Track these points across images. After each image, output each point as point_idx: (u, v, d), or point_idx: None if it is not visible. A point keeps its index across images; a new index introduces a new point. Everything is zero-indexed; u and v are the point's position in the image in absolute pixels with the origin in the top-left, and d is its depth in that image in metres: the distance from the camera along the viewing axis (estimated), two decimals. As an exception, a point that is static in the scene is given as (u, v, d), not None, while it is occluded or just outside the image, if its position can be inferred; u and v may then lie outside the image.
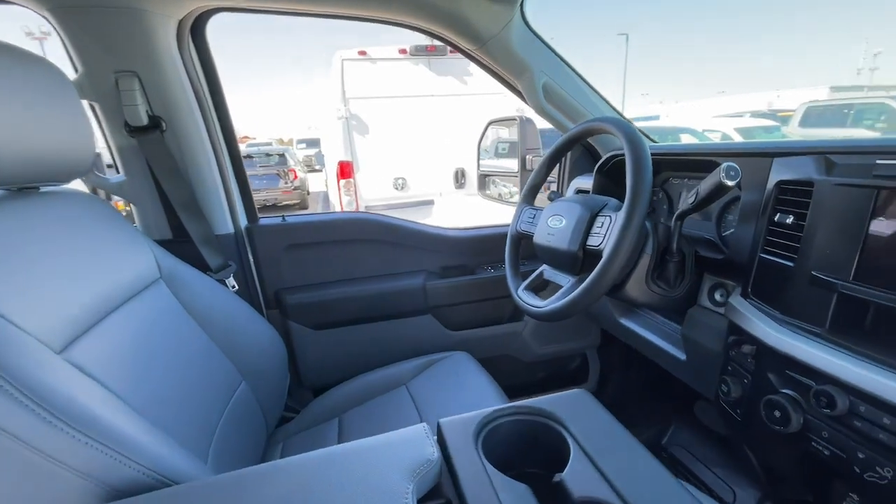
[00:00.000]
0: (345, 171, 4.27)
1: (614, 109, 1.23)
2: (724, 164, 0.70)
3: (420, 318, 1.37)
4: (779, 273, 0.69)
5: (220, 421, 0.86)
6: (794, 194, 0.68)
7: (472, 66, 4.46)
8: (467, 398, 1.05)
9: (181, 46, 0.99)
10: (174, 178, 1.03)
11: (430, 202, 4.54)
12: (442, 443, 0.54)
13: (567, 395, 0.61)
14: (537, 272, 1.05)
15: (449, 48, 4.29)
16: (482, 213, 3.52)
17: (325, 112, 5.23)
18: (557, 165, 1.49)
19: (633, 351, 1.16)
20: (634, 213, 0.74)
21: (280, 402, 1.12)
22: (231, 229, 1.18)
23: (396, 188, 4.43)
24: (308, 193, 9.89)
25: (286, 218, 1.28)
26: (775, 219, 0.71)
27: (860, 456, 0.55)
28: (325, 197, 8.82)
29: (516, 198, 1.52)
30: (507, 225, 1.54)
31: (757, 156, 0.76)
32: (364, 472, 0.49)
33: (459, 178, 4.57)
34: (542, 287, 1.06)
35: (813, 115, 7.35)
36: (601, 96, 1.22)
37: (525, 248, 1.13)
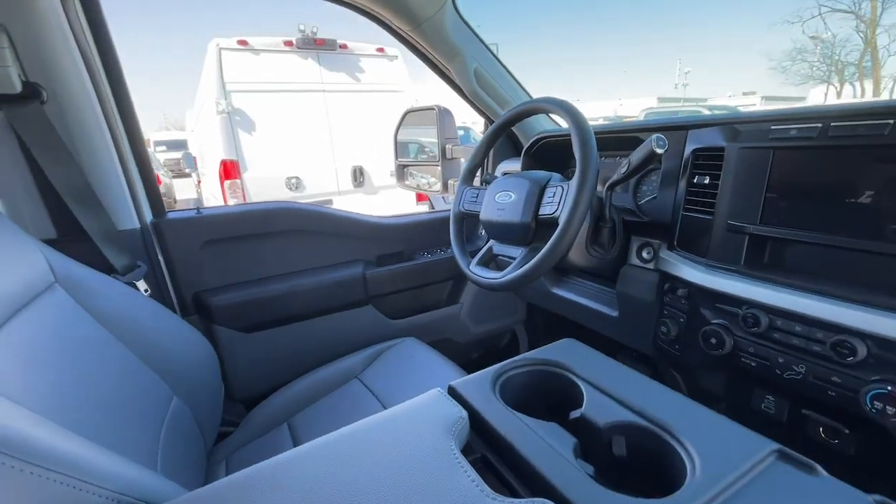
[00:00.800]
0: (229, 170, 3.86)
1: (529, 95, 1.33)
2: (654, 136, 0.82)
3: (360, 309, 1.32)
4: (700, 225, 0.83)
5: (159, 442, 0.73)
6: (708, 159, 0.82)
7: (366, 62, 4.41)
8: (428, 379, 1.05)
9: (66, 7, 0.81)
10: (61, 162, 0.84)
11: (329, 202, 4.35)
12: (462, 401, 0.54)
13: (560, 343, 0.66)
14: (486, 247, 1.09)
15: (339, 42, 4.17)
16: (384, 212, 3.50)
17: (200, 107, 4.68)
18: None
19: (554, 320, 1.26)
20: (587, 178, 0.81)
21: (216, 415, 0.99)
22: (136, 224, 1.00)
23: (290, 188, 4.13)
24: (175, 202, 8.71)
25: (201, 210, 1.13)
26: (694, 181, 0.84)
27: (780, 360, 0.69)
28: (198, 204, 7.86)
29: (437, 187, 1.55)
30: (440, 210, 1.57)
31: (675, 129, 0.89)
32: (397, 439, 0.46)
33: (358, 176, 4.46)
34: (490, 261, 1.10)
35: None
36: (522, 86, 1.31)
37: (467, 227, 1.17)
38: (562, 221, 0.83)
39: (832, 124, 0.65)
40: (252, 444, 0.99)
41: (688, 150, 0.86)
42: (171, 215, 1.09)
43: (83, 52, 0.86)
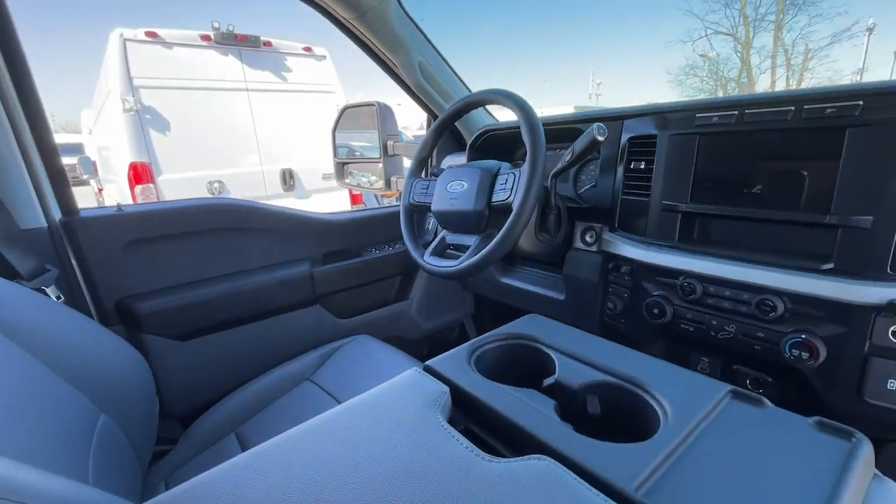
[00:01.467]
0: (140, 174, 3.50)
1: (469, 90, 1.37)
2: (595, 125, 0.88)
3: (308, 309, 1.26)
4: (637, 207, 0.90)
5: (89, 464, 0.65)
6: (642, 146, 0.90)
7: (293, 61, 4.24)
8: (387, 373, 1.03)
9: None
10: None
11: (256, 207, 4.09)
12: (441, 378, 0.54)
13: (525, 319, 0.68)
14: (439, 237, 1.10)
15: (262, 40, 3.96)
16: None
17: (101, 106, 4.19)
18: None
19: (501, 309, 1.30)
20: (537, 164, 0.85)
21: (150, 433, 0.89)
22: (43, 223, 0.88)
23: (212, 192, 3.84)
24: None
25: (123, 208, 1.01)
26: (630, 167, 0.92)
27: (714, 323, 0.77)
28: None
29: (379, 184, 1.54)
30: (387, 207, 1.55)
31: (612, 119, 0.96)
32: (381, 418, 0.45)
33: (287, 179, 4.27)
34: (443, 251, 1.11)
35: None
36: (463, 82, 1.34)
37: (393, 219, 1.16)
38: (515, 206, 0.86)
39: (746, 111, 0.74)
40: (196, 460, 0.91)
41: (624, 138, 0.93)
42: (85, 213, 0.97)
43: None
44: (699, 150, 0.80)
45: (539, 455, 0.39)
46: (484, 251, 0.91)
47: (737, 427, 0.43)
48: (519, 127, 0.88)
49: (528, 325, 0.65)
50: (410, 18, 1.16)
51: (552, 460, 0.38)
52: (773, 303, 0.69)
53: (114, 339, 0.86)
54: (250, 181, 4.05)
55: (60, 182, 0.94)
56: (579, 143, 0.92)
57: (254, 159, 4.08)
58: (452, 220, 1.04)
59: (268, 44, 3.99)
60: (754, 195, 0.75)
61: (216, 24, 3.74)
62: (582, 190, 1.17)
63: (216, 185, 3.88)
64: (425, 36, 1.21)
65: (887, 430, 0.65)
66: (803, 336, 0.66)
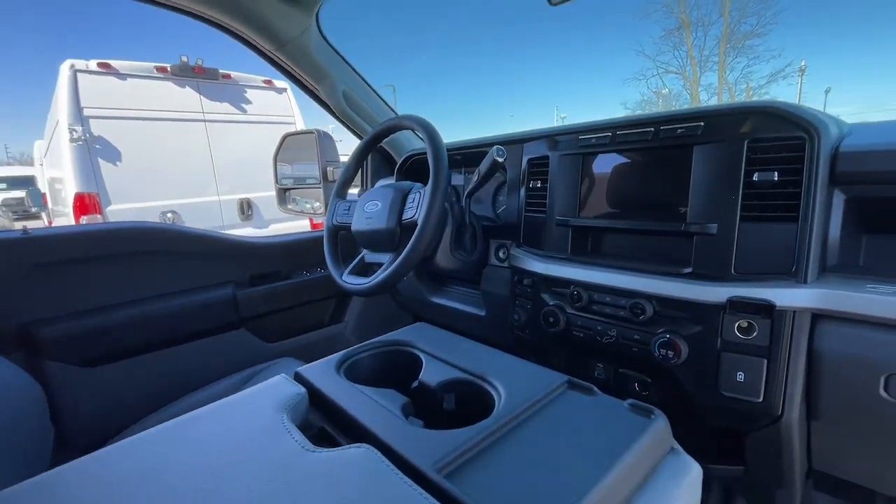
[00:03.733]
0: (86, 205, 3.41)
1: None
2: (494, 147, 0.94)
3: (232, 333, 1.24)
4: (537, 224, 0.96)
5: None
6: (539, 167, 0.96)
7: (252, 93, 4.29)
8: None
9: None
10: None
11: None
12: (304, 383, 0.55)
13: (411, 327, 0.70)
14: (359, 257, 1.12)
15: (221, 72, 4.01)
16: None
17: (51, 137, 4.10)
18: (361, 171, 1.61)
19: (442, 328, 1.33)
20: (439, 181, 0.90)
21: (43, 463, 0.85)
22: None
23: (166, 223, 3.76)
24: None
25: (29, 231, 1.00)
26: (530, 186, 0.98)
27: (598, 328, 0.81)
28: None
29: (320, 210, 1.56)
30: (320, 231, 1.57)
31: (513, 143, 1.03)
32: (234, 421, 0.46)
33: (245, 209, 4.24)
34: (364, 271, 1.13)
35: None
36: (391, 106, 1.41)
37: (343, 241, 1.19)
38: (419, 222, 0.90)
39: (618, 132, 0.81)
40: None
41: (524, 160, 1.00)
42: None
43: None
44: (583, 169, 0.87)
45: (361, 444, 0.41)
46: (392, 267, 0.93)
47: (563, 411, 0.46)
48: (457, 149, 0.92)
49: (410, 332, 0.68)
50: (332, 47, 1.22)
51: (371, 447, 0.40)
52: (644, 306, 0.74)
53: (6, 366, 0.83)
54: (207, 211, 4.00)
55: None
56: (483, 165, 0.97)
57: (211, 189, 4.05)
58: (369, 239, 1.06)
59: (227, 76, 4.04)
60: (629, 208, 0.81)
61: (184, 58, 3.77)
62: (500, 209, 1.22)
63: (170, 215, 3.81)
64: (349, 65, 1.27)
65: (744, 420, 0.69)
66: (668, 336, 0.70)
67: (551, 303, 0.89)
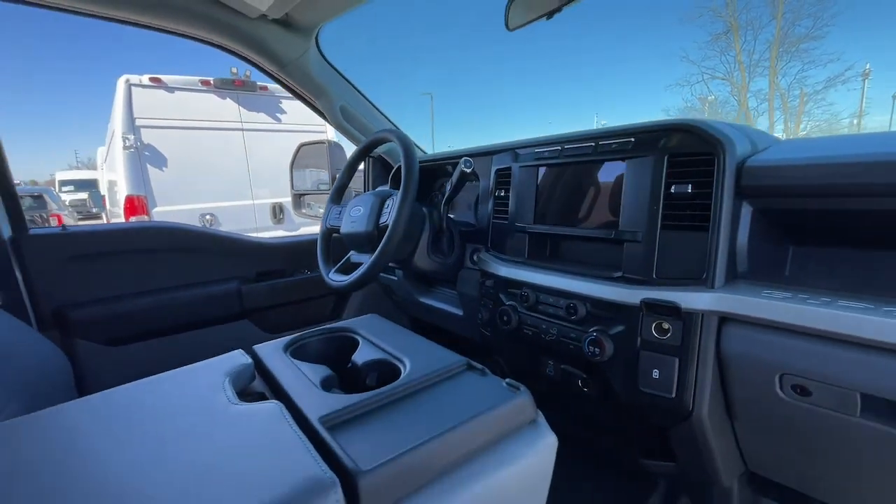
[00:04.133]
0: (135, 207, 3.74)
1: (395, 127, 1.54)
2: (462, 159, 1.02)
3: (236, 323, 1.38)
4: (501, 230, 1.03)
5: None
6: (503, 177, 1.03)
7: (287, 104, 4.55)
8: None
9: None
10: None
11: (246, 239, 4.29)
12: (254, 357, 0.65)
13: (364, 317, 0.79)
14: (346, 258, 1.23)
15: (258, 84, 4.27)
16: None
17: (109, 144, 4.52)
18: (364, 178, 1.73)
19: (433, 330, 1.41)
20: (408, 189, 0.99)
21: None
22: None
23: (204, 224, 4.07)
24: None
25: (67, 228, 1.17)
26: (496, 194, 1.05)
27: (543, 326, 0.87)
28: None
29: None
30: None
31: (483, 154, 1.11)
32: (190, 380, 0.57)
33: (277, 213, 4.50)
34: (350, 269, 1.23)
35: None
36: (387, 118, 1.51)
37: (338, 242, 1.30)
38: (389, 225, 1.00)
39: (565, 146, 0.87)
40: None
41: (493, 170, 1.07)
42: (33, 231, 1.13)
43: None
44: (539, 180, 0.94)
45: (272, 399, 0.50)
46: (365, 267, 1.03)
47: (450, 386, 0.54)
48: (429, 161, 1.01)
49: (358, 322, 0.77)
50: (332, 66, 1.34)
51: (280, 403, 0.49)
52: (577, 307, 0.80)
53: (41, 341, 0.99)
54: (242, 214, 4.28)
55: (12, 204, 1.10)
56: (454, 175, 1.06)
57: (246, 194, 4.34)
58: (353, 241, 1.17)
59: (263, 88, 4.32)
60: (576, 216, 0.87)
61: (234, 70, 4.10)
62: (478, 216, 1.30)
63: (208, 217, 4.11)
64: (348, 81, 1.39)
65: (661, 415, 0.73)
66: (595, 334, 0.76)
67: (507, 303, 0.96)
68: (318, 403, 0.50)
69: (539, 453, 0.49)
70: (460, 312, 1.23)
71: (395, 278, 1.48)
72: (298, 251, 1.55)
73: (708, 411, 0.68)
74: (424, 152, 1.63)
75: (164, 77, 3.86)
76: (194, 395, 0.53)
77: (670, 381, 0.69)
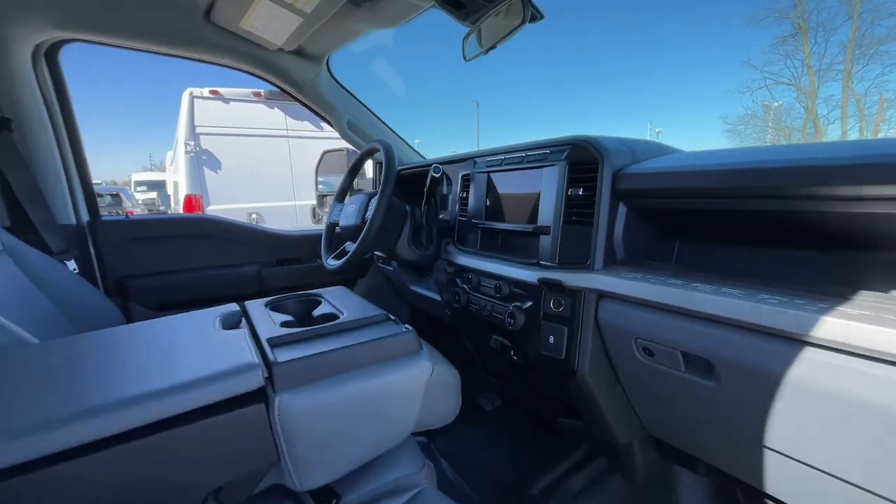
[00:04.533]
0: (192, 205, 4.23)
1: (400, 137, 1.76)
2: (433, 166, 1.22)
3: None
4: (463, 225, 1.22)
5: None
6: (465, 181, 1.22)
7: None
8: None
9: (36, 66, 1.21)
10: (19, 172, 1.20)
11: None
12: (243, 308, 0.89)
13: (331, 288, 1.02)
14: (343, 247, 1.46)
15: (302, 96, 4.62)
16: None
17: (175, 149, 5.11)
18: (374, 179, 1.97)
19: (440, 326, 1.60)
20: (384, 192, 1.20)
21: None
22: (73, 221, 1.35)
23: (250, 221, 4.50)
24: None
25: (129, 216, 1.48)
26: (461, 196, 1.24)
27: (482, 304, 1.05)
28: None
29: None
30: (334, 227, 1.95)
31: (452, 162, 1.31)
32: (194, 321, 0.81)
33: (316, 213, 4.85)
34: (343, 256, 1.47)
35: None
36: (392, 129, 1.74)
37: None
38: (368, 219, 1.22)
39: (506, 156, 1.06)
40: None
41: (459, 176, 1.27)
42: (104, 218, 1.45)
43: (46, 102, 1.25)
44: (489, 184, 1.12)
45: (244, 328, 0.73)
46: (350, 253, 1.26)
47: (369, 329, 0.74)
48: (418, 167, 1.22)
49: (327, 291, 0.99)
50: (341, 86, 1.59)
51: (247, 330, 0.72)
52: (502, 286, 0.97)
53: (106, 302, 1.29)
54: (284, 214, 4.69)
55: (90, 195, 1.42)
56: (428, 180, 1.27)
57: (289, 195, 4.75)
58: (347, 233, 1.40)
59: (307, 99, 4.72)
60: (514, 214, 1.05)
61: None
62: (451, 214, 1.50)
63: (254, 215, 4.55)
64: (356, 98, 1.64)
65: (557, 374, 0.89)
66: (512, 308, 0.94)
67: (460, 286, 1.15)
68: (270, 332, 0.71)
69: (413, 375, 0.68)
70: (438, 297, 1.43)
71: (392, 269, 1.70)
72: (314, 242, 1.81)
73: (590, 370, 0.84)
74: (423, 157, 1.85)
75: (221, 90, 4.34)
76: (193, 326, 0.76)
77: (561, 345, 0.85)
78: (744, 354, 0.60)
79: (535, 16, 0.98)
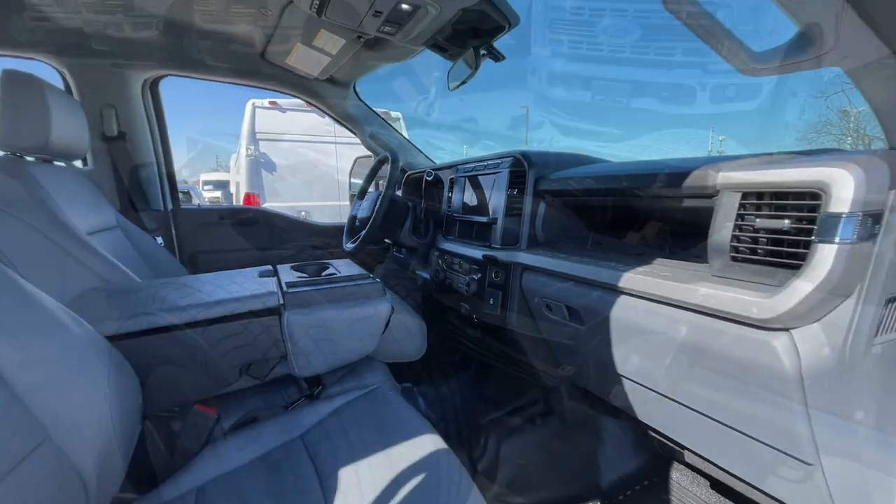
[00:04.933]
0: (250, 202, 4.81)
1: (415, 146, 2.10)
2: (426, 171, 1.55)
3: None
4: (449, 219, 1.54)
5: None
6: (452, 183, 1.54)
7: (367, 122, 5.31)
8: None
9: (143, 94, 1.67)
10: (129, 170, 1.66)
11: (330, 232, 5.20)
12: (274, 268, 1.26)
13: (341, 260, 1.37)
14: (359, 235, 1.82)
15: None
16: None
17: (238, 152, 5.79)
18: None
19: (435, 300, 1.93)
20: (386, 191, 1.54)
21: None
22: (161, 207, 1.81)
23: (300, 219, 5.02)
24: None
25: (201, 206, 1.93)
26: (448, 195, 1.56)
27: (455, 277, 1.36)
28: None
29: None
30: (357, 220, 2.33)
31: (446, 168, 1.63)
32: (237, 274, 1.18)
33: (357, 212, 5.34)
34: None
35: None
36: (407, 139, 2.09)
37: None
38: (374, 213, 1.56)
39: (476, 164, 1.36)
40: None
41: (447, 179, 1.59)
42: (183, 206, 1.90)
43: (148, 117, 1.70)
44: (465, 186, 1.44)
45: (273, 277, 1.09)
46: (360, 238, 1.61)
47: (353, 285, 1.08)
48: (421, 171, 1.57)
49: (335, 262, 1.34)
50: (367, 106, 1.96)
51: (274, 278, 1.08)
52: (464, 263, 1.28)
53: (182, 270, 1.72)
54: (330, 212, 5.19)
55: (174, 190, 1.88)
56: (423, 182, 1.60)
57: (334, 196, 5.25)
58: (362, 223, 1.75)
59: (353, 109, 5.22)
60: (482, 208, 1.35)
61: None
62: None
63: (303, 213, 5.07)
64: (377, 114, 2.00)
65: (498, 329, 1.18)
66: (467, 279, 1.24)
67: (441, 265, 1.47)
68: (291, 280, 1.07)
69: (376, 310, 1.01)
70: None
71: (402, 256, 2.04)
72: (342, 231, 2.19)
73: (517, 324, 1.13)
74: (434, 162, 2.18)
75: (279, 100, 4.91)
76: (241, 275, 1.14)
77: (497, 305, 1.15)
78: (594, 301, 0.88)
79: (497, 56, 1.29)
